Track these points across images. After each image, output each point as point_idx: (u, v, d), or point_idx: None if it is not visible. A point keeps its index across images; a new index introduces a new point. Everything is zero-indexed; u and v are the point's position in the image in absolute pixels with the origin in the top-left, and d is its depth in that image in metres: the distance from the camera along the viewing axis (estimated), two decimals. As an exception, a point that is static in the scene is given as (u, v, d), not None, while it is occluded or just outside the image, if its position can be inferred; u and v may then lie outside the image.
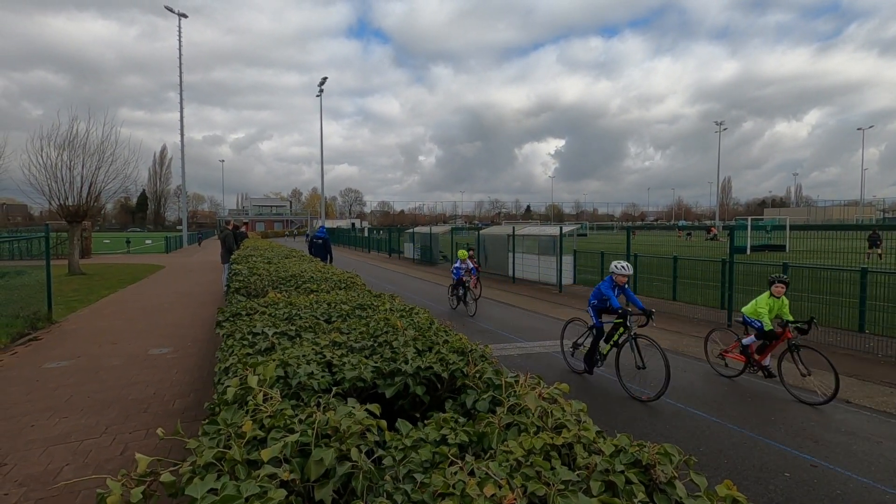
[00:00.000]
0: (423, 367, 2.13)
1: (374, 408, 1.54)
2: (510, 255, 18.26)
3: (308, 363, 2.10)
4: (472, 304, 11.38)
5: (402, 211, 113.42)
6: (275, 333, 2.61)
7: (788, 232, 30.48)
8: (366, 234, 43.79)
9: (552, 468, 1.28)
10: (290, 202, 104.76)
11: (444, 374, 2.14)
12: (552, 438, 1.43)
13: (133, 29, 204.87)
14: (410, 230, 29.47)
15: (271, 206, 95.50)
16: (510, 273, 18.22)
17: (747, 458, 4.33)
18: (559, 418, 1.59)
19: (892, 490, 3.82)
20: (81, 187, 18.30)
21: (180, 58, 37.98)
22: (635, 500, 1.16)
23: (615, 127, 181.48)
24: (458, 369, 2.17)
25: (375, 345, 2.50)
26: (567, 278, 16.63)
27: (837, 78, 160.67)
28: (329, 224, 67.66)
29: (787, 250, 26.76)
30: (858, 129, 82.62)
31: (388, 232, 32.36)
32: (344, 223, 78.50)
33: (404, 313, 3.35)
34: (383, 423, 1.49)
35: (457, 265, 12.00)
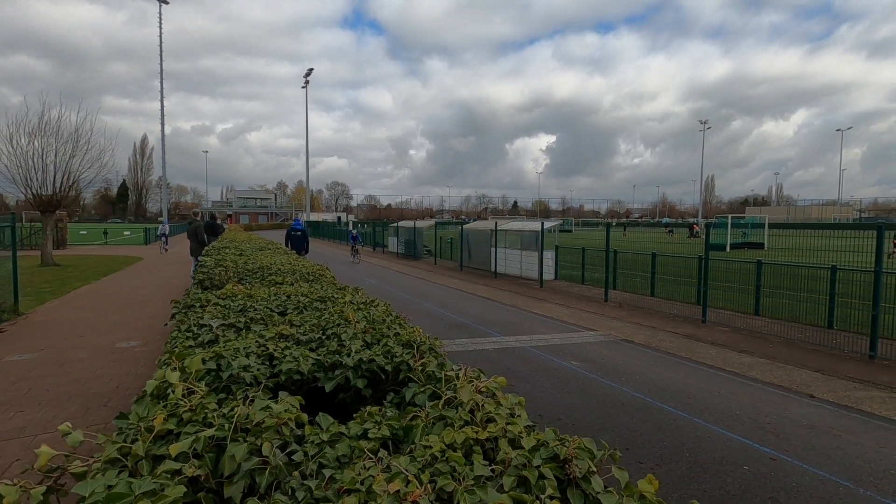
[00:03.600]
0: (365, 359, 2.08)
1: (296, 400, 1.49)
2: (492, 250, 18.27)
3: (247, 356, 2.05)
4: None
5: (390, 205, 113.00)
6: (220, 325, 2.55)
7: (767, 230, 31.03)
8: (350, 227, 43.50)
9: (469, 463, 1.25)
10: (276, 195, 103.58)
11: (388, 367, 2.11)
12: (476, 433, 1.40)
13: (121, 14, 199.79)
14: (395, 224, 29.32)
15: (256, 199, 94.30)
16: (492, 268, 18.23)
17: (709, 451, 4.38)
18: (490, 412, 1.56)
19: (846, 482, 3.90)
20: (55, 176, 17.84)
21: (161, 45, 37.18)
22: (542, 496, 1.13)
23: (607, 124, 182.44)
24: (404, 362, 2.13)
25: (324, 337, 2.45)
26: (549, 273, 16.69)
27: (826, 79, 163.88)
28: (314, 217, 67.12)
29: (766, 248, 27.26)
30: (837, 129, 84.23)
31: (373, 226, 32.14)
32: (330, 216, 77.97)
33: (362, 306, 3.30)
34: (304, 416, 1.45)
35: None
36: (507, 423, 1.47)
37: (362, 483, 1.14)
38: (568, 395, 5.81)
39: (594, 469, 1.28)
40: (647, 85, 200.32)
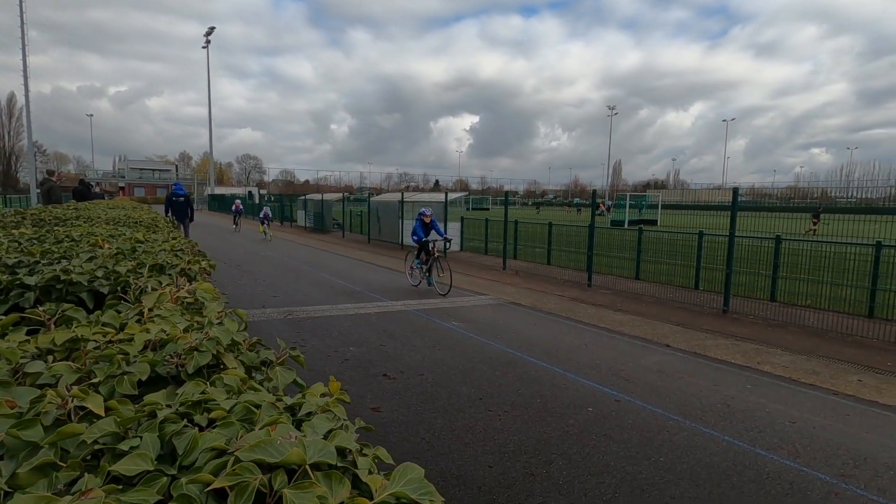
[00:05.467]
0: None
1: None
2: (400, 222, 17.96)
3: None
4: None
5: (307, 181, 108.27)
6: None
7: (660, 209, 33.68)
8: (257, 201, 41.09)
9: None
10: (177, 166, 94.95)
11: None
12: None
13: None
14: (303, 197, 28.00)
15: (154, 170, 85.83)
16: (400, 240, 17.95)
17: (561, 397, 4.45)
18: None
19: (676, 417, 4.12)
20: None
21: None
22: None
23: (528, 107, 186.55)
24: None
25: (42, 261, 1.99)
26: (454, 244, 16.74)
27: (720, 75, 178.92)
28: (221, 191, 62.44)
29: (658, 224, 29.56)
30: (724, 120, 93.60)
31: (280, 200, 30.43)
32: (240, 191, 73.06)
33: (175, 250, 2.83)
34: None
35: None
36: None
37: None
38: (438, 352, 5.71)
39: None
40: (567, 71, 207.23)
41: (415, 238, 9.75)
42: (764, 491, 3.04)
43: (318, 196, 25.46)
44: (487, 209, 56.42)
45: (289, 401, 0.84)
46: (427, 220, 9.78)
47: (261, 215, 20.85)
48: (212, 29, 45.68)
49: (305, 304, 7.97)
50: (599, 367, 5.42)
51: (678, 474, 3.20)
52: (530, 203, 78.16)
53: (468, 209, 55.36)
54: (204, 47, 46.96)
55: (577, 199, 70.38)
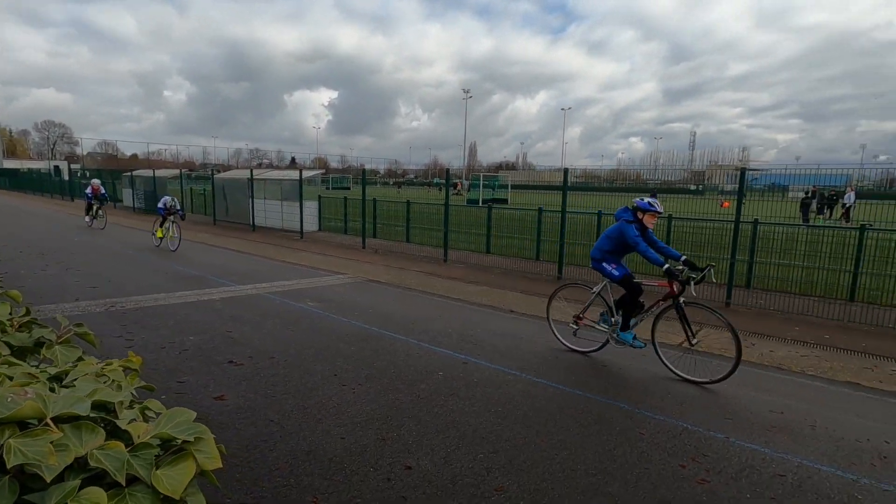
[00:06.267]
0: None
1: None
2: (250, 201, 16.66)
3: None
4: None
5: (136, 155, 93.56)
6: None
7: (510, 189, 36.56)
8: (66, 177, 34.53)
9: None
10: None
11: None
12: None
13: None
14: (129, 173, 24.25)
15: None
16: (251, 221, 16.68)
17: (414, 365, 4.65)
18: None
19: (515, 371, 4.60)
20: None
21: None
22: None
23: (388, 85, 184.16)
24: None
25: None
26: (312, 225, 16.12)
27: (560, 67, 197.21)
28: (13, 165, 50.70)
29: (509, 203, 32.07)
30: (562, 109, 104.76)
31: (100, 176, 25.79)
32: (43, 165, 60.34)
33: None
34: None
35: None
36: None
37: None
38: (292, 333, 5.52)
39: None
40: (425, 51, 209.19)
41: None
42: (579, 423, 3.59)
43: (148, 172, 22.27)
44: (348, 188, 55.15)
45: (53, 370, 0.75)
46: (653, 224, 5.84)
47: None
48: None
49: (134, 294, 7.01)
50: (451, 334, 5.76)
51: (514, 420, 3.60)
52: (391, 183, 78.43)
53: (328, 188, 53.49)
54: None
55: (437, 179, 72.56)
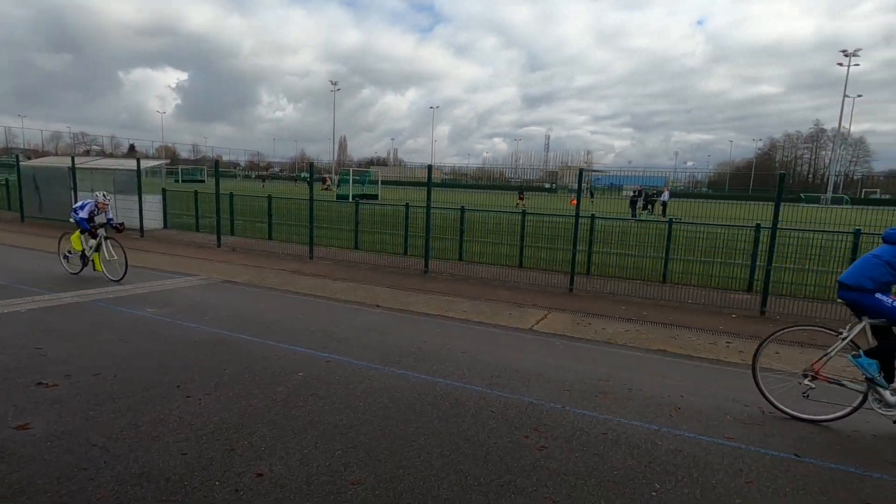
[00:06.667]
0: None
1: None
2: (73, 194, 14.18)
3: None
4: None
5: None
6: None
7: (380, 185, 36.50)
8: None
9: None
10: None
11: None
12: None
13: None
14: None
15: None
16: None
17: (271, 368, 4.42)
18: None
19: (377, 365, 4.63)
20: None
21: None
22: None
23: (248, 70, 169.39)
24: None
25: None
26: (156, 222, 14.33)
27: (428, 66, 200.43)
28: None
29: (379, 198, 31.99)
30: (430, 107, 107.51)
31: None
32: None
33: None
34: None
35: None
36: None
37: None
38: (127, 345, 4.85)
39: None
40: (289, 38, 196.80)
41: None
42: (437, 409, 3.75)
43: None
44: (202, 181, 49.95)
45: None
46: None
47: None
48: None
49: None
50: (314, 333, 5.59)
51: (373, 413, 3.63)
52: (254, 176, 72.90)
53: (177, 181, 47.84)
54: None
55: (304, 173, 69.31)
